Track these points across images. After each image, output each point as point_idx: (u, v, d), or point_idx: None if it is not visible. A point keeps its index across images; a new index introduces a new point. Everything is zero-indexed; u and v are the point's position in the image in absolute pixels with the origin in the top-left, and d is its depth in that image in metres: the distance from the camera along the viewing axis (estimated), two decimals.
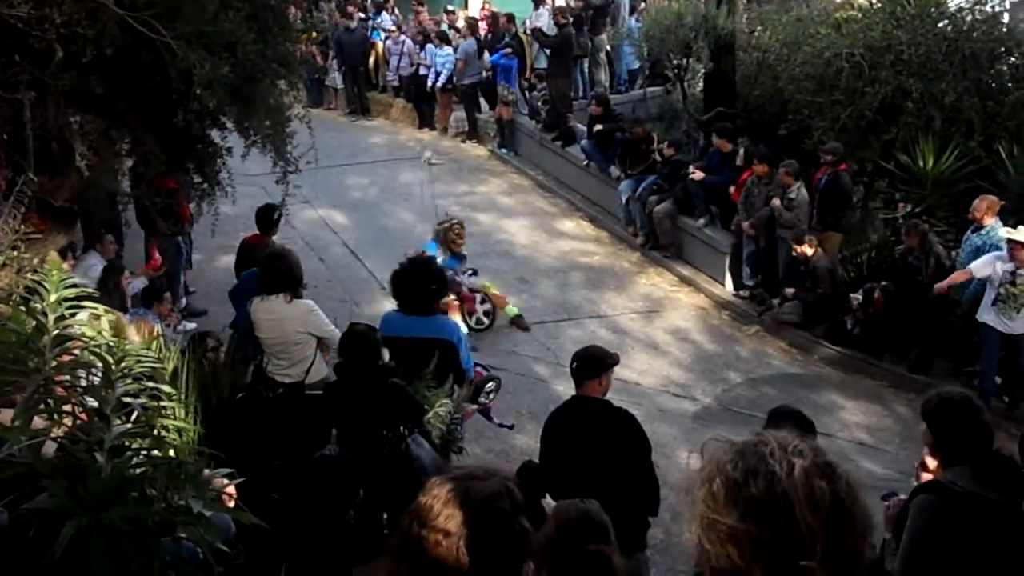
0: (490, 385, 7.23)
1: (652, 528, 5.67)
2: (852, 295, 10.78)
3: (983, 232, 9.66)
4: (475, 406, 7.53)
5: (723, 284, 12.36)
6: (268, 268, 6.81)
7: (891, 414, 9.80)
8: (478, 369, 7.59)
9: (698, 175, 12.46)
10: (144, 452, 2.02)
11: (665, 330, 11.43)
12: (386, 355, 6.39)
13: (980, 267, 9.16)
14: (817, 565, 1.44)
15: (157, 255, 10.05)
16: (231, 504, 3.65)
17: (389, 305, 7.06)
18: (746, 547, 1.48)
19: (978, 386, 9.02)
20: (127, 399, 2.01)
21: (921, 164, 11.25)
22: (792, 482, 1.49)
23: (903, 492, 4.68)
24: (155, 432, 2.09)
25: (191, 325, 10.02)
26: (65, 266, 7.22)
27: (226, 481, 3.52)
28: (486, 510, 2.17)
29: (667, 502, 5.58)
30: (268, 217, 9.28)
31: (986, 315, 9.15)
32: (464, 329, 7.46)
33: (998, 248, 9.22)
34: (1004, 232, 9.10)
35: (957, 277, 9.48)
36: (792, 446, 1.56)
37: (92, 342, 2.07)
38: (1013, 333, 9.08)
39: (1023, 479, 4.00)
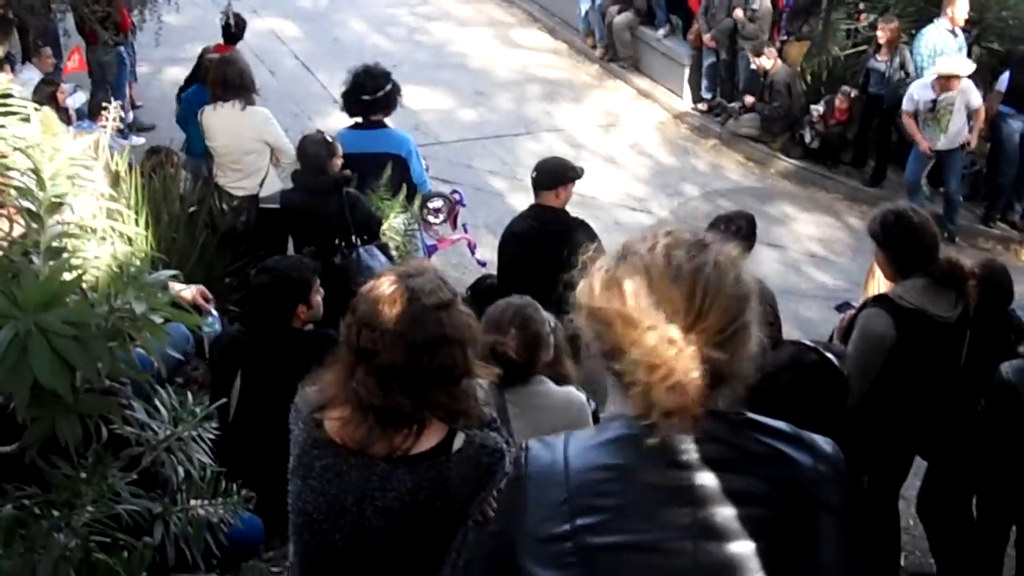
0: (435, 202, 7.09)
1: None
2: (813, 106, 10.73)
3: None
4: (456, 235, 7.47)
5: (681, 97, 12.21)
6: (219, 75, 6.59)
7: (844, 226, 9.93)
8: (454, 194, 7.50)
9: None
10: (84, 255, 1.97)
11: (622, 143, 11.34)
12: None
13: (907, 103, 9.51)
14: (682, 334, 1.46)
15: (76, 56, 9.60)
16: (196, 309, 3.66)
17: (343, 119, 6.90)
18: (616, 324, 1.50)
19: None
20: (60, 200, 1.94)
21: None
22: (652, 256, 1.51)
23: (855, 302, 4.76)
24: (95, 233, 2.03)
25: (139, 140, 9.77)
26: (5, 78, 6.94)
27: (180, 286, 3.51)
28: (425, 304, 2.18)
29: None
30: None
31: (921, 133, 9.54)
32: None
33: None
34: (933, 71, 9.36)
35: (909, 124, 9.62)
36: (664, 231, 1.58)
37: (21, 141, 1.97)
38: (941, 149, 9.47)
39: (968, 293, 4.09)
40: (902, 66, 9.85)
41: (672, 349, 1.45)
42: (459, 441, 2.21)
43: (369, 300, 2.19)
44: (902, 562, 5.15)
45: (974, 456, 4.51)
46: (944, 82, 9.16)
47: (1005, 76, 9.77)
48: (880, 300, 4.13)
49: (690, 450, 1.48)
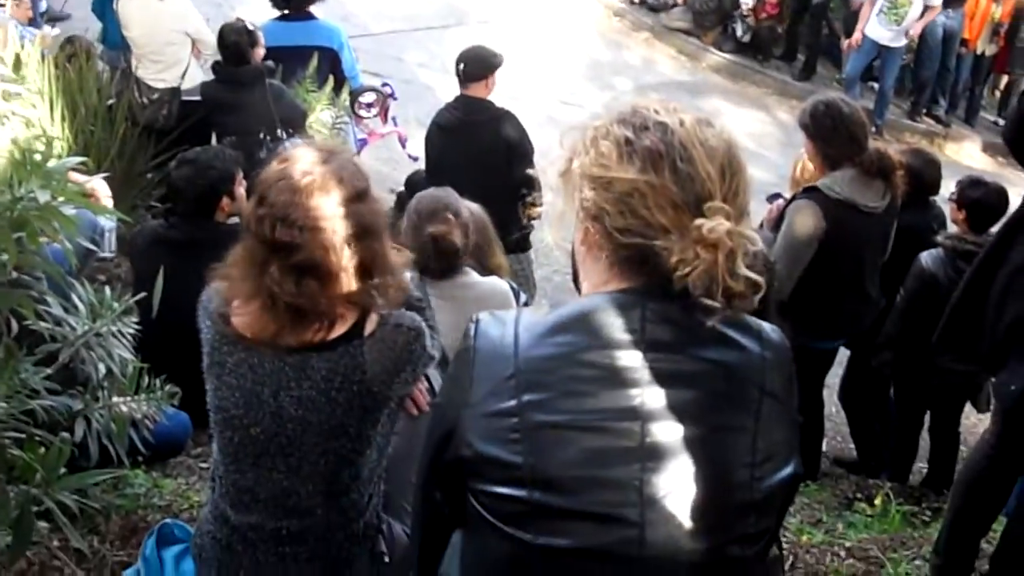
0: (367, 96, 6.93)
1: (535, 231, 5.74)
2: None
3: None
4: (387, 129, 7.33)
5: None
6: None
7: (774, 120, 9.97)
8: (385, 87, 7.33)
9: None
10: None
11: (554, 36, 11.17)
12: None
13: None
14: (721, 204, 1.43)
15: None
16: (103, 203, 3.55)
17: (267, 9, 6.68)
18: (649, 198, 1.44)
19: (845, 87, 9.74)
20: None
21: None
22: (686, 131, 1.47)
23: (786, 195, 4.79)
24: None
25: (53, 30, 9.35)
26: None
27: (89, 179, 3.39)
28: (345, 195, 2.07)
29: (550, 206, 5.61)
30: None
31: (869, 25, 9.50)
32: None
33: None
34: None
35: (865, 12, 9.59)
36: (672, 106, 1.53)
37: None
38: (887, 45, 9.55)
39: (896, 184, 4.14)
40: None
41: (731, 227, 1.42)
42: (371, 323, 2.14)
43: (285, 189, 2.05)
44: (824, 447, 5.32)
45: (892, 344, 4.63)
46: None
47: None
48: (809, 191, 4.16)
49: (640, 331, 1.46)
